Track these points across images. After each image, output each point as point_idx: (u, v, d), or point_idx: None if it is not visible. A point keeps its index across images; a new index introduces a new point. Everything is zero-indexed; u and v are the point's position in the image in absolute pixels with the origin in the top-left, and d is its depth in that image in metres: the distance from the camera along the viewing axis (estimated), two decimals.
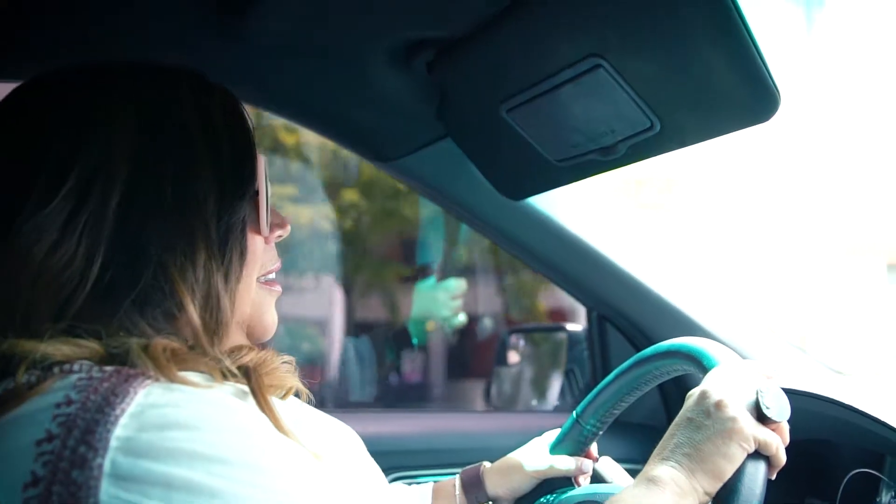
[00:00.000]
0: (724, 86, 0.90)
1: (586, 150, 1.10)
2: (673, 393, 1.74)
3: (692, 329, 1.59)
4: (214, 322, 0.70)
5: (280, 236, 0.84)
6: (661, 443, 0.82)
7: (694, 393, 0.84)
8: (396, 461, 1.55)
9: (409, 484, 1.56)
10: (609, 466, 1.28)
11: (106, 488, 0.55)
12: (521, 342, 2.17)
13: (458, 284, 2.62)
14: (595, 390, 1.16)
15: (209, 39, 1.15)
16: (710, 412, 0.79)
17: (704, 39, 0.86)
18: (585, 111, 1.04)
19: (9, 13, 1.06)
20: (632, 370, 1.12)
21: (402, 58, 1.18)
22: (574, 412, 1.18)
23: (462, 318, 2.70)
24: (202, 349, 0.69)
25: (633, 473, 1.23)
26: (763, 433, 0.79)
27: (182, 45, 1.17)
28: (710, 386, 0.83)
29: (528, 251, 1.60)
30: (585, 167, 1.16)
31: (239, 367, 0.68)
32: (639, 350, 1.69)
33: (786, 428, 0.82)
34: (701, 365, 0.96)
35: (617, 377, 1.14)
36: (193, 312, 0.69)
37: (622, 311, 1.67)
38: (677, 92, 0.95)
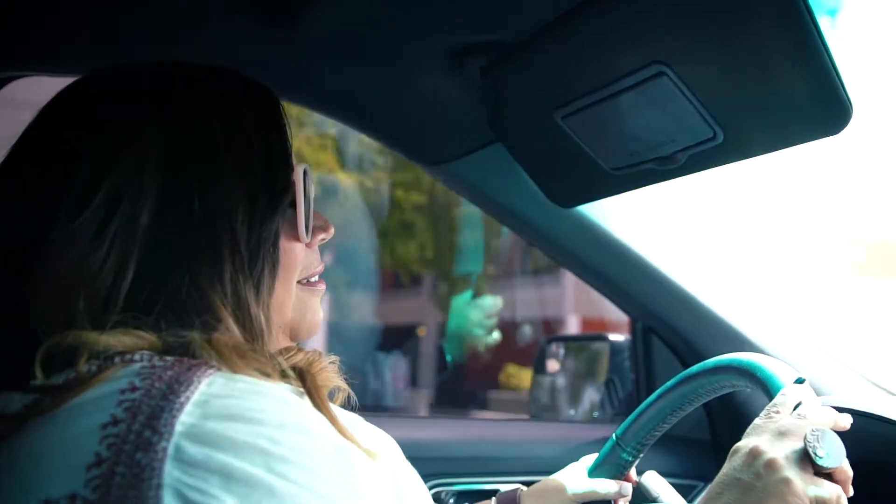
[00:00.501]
0: (793, 96, 0.87)
1: (644, 158, 1.08)
2: (717, 406, 1.71)
3: (742, 343, 1.56)
4: (251, 331, 0.70)
5: (323, 239, 0.83)
6: (706, 501, 0.78)
7: (741, 448, 0.79)
8: (436, 468, 1.55)
9: (448, 490, 1.56)
10: (655, 481, 1.25)
11: (169, 471, 0.55)
12: (561, 351, 2.15)
13: (493, 302, 2.60)
14: (636, 412, 1.14)
15: (260, 43, 1.15)
16: (761, 474, 0.75)
17: (775, 48, 0.83)
18: (645, 119, 1.01)
19: (70, 8, 1.08)
20: (677, 388, 1.09)
21: (456, 61, 1.16)
22: (614, 434, 1.16)
23: (496, 335, 2.67)
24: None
25: (678, 488, 1.22)
26: (819, 489, 0.75)
27: (234, 50, 1.17)
28: (759, 442, 0.78)
29: (575, 259, 1.58)
30: (642, 176, 1.14)
31: (292, 368, 0.68)
32: (685, 363, 1.69)
33: (845, 469, 0.78)
34: (755, 379, 0.94)
35: (660, 396, 1.12)
36: (230, 320, 0.68)
37: (669, 323, 1.64)
38: (743, 101, 0.92)
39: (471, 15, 1.05)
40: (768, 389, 0.90)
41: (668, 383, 1.11)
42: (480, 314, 2.55)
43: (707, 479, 1.62)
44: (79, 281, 0.65)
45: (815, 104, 0.87)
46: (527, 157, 1.31)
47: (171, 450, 0.55)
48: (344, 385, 0.75)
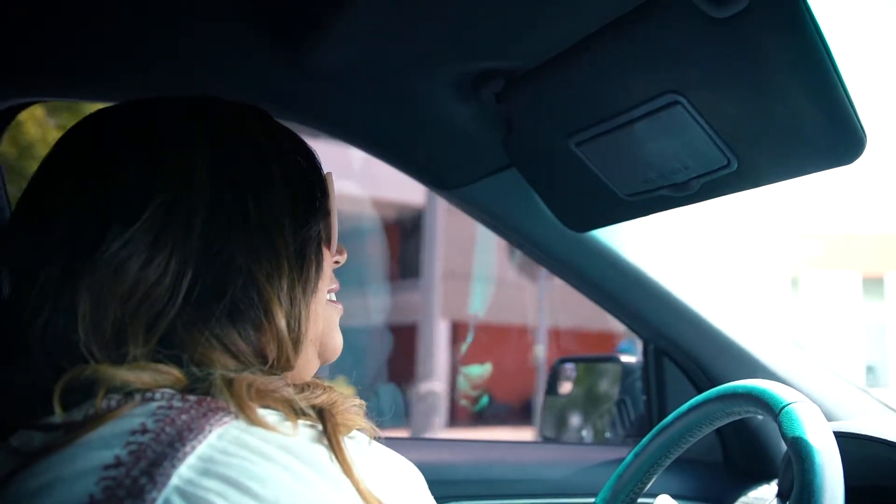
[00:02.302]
0: (807, 125, 0.88)
1: (658, 185, 1.09)
2: (729, 429, 1.71)
3: (754, 367, 1.56)
4: (296, 333, 0.72)
5: (338, 262, 0.86)
6: None
7: None
8: (447, 491, 1.54)
9: None
10: None
11: None
12: (573, 373, 2.14)
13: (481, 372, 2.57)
14: (615, 474, 1.15)
15: (270, 69, 1.16)
16: None
17: (790, 78, 0.84)
18: (659, 147, 1.02)
19: (81, 37, 1.10)
20: (652, 442, 1.12)
21: (470, 87, 1.17)
22: None
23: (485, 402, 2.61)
24: (285, 364, 0.71)
25: None
26: None
27: (245, 77, 1.18)
28: None
29: (587, 281, 1.58)
30: (655, 203, 1.14)
31: (312, 407, 0.67)
32: (696, 385, 1.69)
33: None
34: (767, 406, 0.94)
35: (637, 455, 1.14)
36: (281, 319, 0.70)
37: (681, 346, 1.64)
38: (758, 130, 0.93)
39: (486, 42, 1.06)
40: (768, 408, 0.91)
41: (643, 441, 1.14)
42: (467, 382, 2.54)
43: (719, 502, 1.61)
44: (136, 292, 0.65)
45: (829, 134, 0.87)
46: (541, 183, 1.32)
47: (159, 502, 0.54)
48: (368, 426, 0.73)
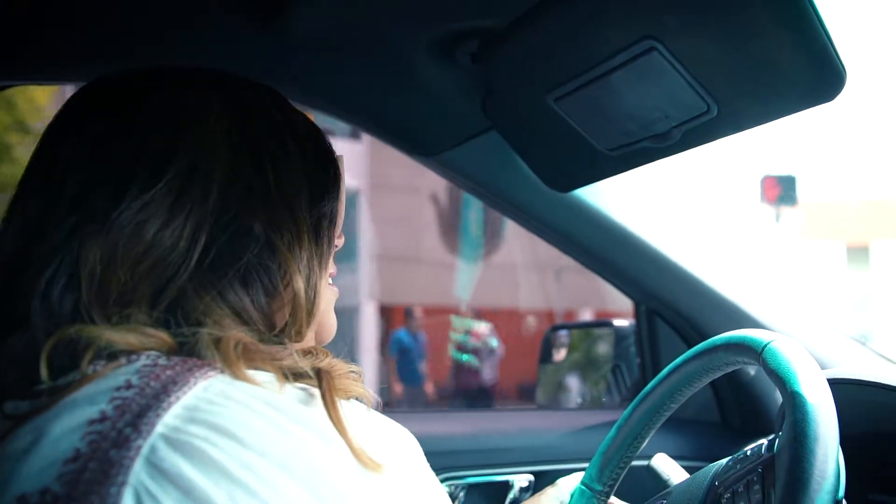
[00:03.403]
0: (787, 65, 0.86)
1: (639, 137, 1.07)
2: (725, 387, 1.71)
3: (745, 320, 1.55)
4: (312, 303, 0.73)
5: (336, 247, 0.86)
6: None
7: None
8: (444, 462, 1.54)
9: (458, 484, 1.55)
10: (665, 463, 1.25)
11: (137, 471, 0.53)
12: (566, 339, 2.14)
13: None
14: (601, 448, 1.16)
15: (246, 37, 1.15)
16: None
17: (767, 16, 0.82)
18: (638, 97, 1.00)
19: (55, 19, 1.08)
20: (634, 413, 1.13)
21: (445, 49, 1.15)
22: (581, 483, 1.17)
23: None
24: (297, 332, 0.71)
25: (688, 469, 1.21)
26: None
27: (219, 44, 1.16)
28: None
29: (575, 244, 1.57)
30: (637, 155, 1.13)
31: (312, 369, 0.66)
32: (689, 344, 1.68)
33: None
34: (748, 351, 0.94)
35: (620, 427, 1.14)
36: (301, 287, 0.71)
37: (673, 305, 1.63)
38: (737, 73, 0.91)
39: (459, 1, 1.04)
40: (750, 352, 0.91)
41: (625, 413, 1.14)
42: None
43: (716, 460, 1.61)
44: (149, 255, 0.65)
45: (809, 72, 0.86)
46: (522, 144, 1.31)
47: (145, 449, 0.54)
48: (366, 393, 0.72)
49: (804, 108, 0.91)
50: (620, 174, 1.22)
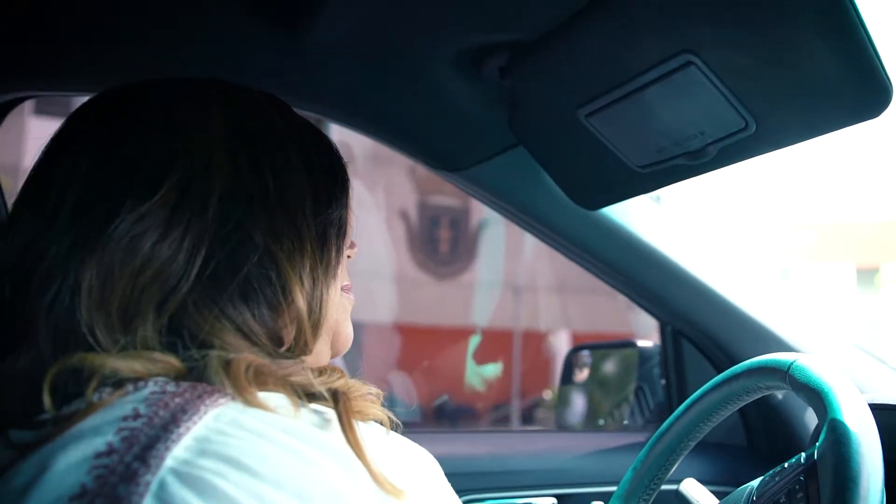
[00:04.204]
0: (829, 80, 0.83)
1: (672, 154, 1.04)
2: (752, 411, 1.68)
3: (776, 343, 1.52)
4: (317, 315, 0.71)
5: (349, 257, 0.84)
6: None
7: None
8: (466, 483, 1.51)
9: None
10: (694, 488, 1.22)
11: None
12: (589, 359, 2.11)
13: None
14: (626, 477, 1.14)
15: (269, 50, 1.14)
16: None
17: (810, 29, 0.80)
18: (673, 113, 0.98)
19: (74, 27, 1.07)
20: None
21: (473, 63, 1.14)
22: None
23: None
24: (303, 348, 0.69)
25: (716, 494, 1.18)
26: None
27: (242, 59, 1.16)
28: None
29: (600, 262, 1.55)
30: (670, 173, 1.10)
31: (327, 390, 0.64)
32: (716, 366, 1.64)
33: None
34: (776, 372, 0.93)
35: (656, 442, 1.12)
36: (301, 300, 0.68)
37: (700, 326, 1.60)
38: (777, 88, 0.88)
39: (487, 14, 1.02)
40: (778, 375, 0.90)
41: (647, 445, 1.12)
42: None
43: (743, 484, 1.58)
44: (147, 269, 0.63)
45: (853, 87, 0.83)
46: (550, 160, 1.28)
47: (154, 486, 0.51)
48: (384, 416, 0.69)
49: (847, 125, 0.88)
50: (652, 192, 1.19)
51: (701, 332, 1.62)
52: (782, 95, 0.89)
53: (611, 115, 1.05)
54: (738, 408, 1.04)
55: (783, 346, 1.52)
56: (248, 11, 1.06)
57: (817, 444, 0.85)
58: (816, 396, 0.86)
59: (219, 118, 0.72)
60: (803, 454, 0.91)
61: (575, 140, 1.14)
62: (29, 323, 0.63)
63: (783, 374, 0.92)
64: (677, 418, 1.09)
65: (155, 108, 0.72)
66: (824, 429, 0.82)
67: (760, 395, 1.02)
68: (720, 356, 1.63)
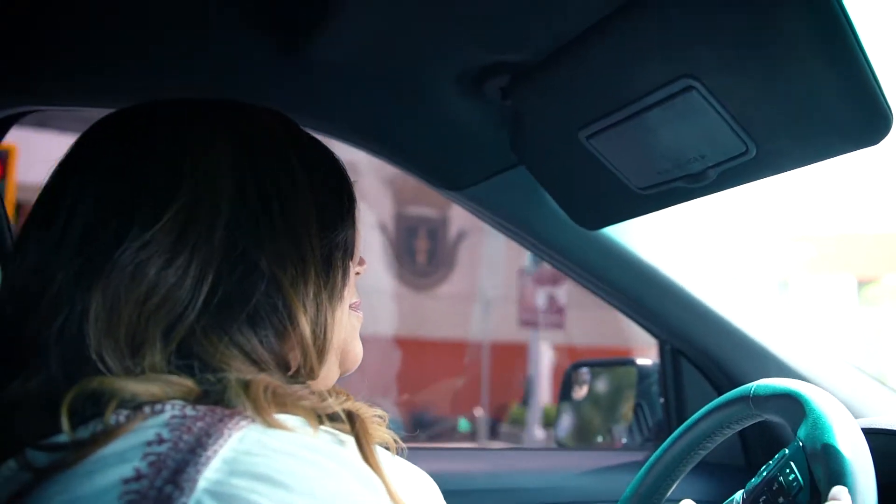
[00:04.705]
0: (830, 106, 0.84)
1: (673, 177, 1.04)
2: (751, 431, 1.67)
3: (775, 365, 1.52)
4: (321, 340, 0.70)
5: (358, 273, 0.84)
6: None
7: None
8: (463, 501, 1.50)
9: None
10: None
11: None
12: (587, 377, 2.11)
13: None
14: (635, 480, 1.13)
15: (270, 67, 1.14)
16: None
17: (810, 56, 0.80)
18: (674, 136, 0.98)
19: (80, 43, 1.08)
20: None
21: (475, 83, 1.15)
22: None
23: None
24: (308, 373, 0.68)
25: None
26: None
27: (244, 77, 1.16)
28: None
29: (602, 281, 1.55)
30: (670, 195, 1.10)
31: (343, 411, 0.65)
32: (716, 386, 1.64)
33: None
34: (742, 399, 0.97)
35: (656, 461, 1.12)
36: (306, 326, 0.68)
37: (699, 345, 1.60)
38: (778, 114, 0.89)
39: (490, 35, 1.03)
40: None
41: (664, 445, 1.12)
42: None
43: None
44: (153, 295, 0.63)
45: (853, 114, 0.83)
46: (551, 180, 1.29)
47: None
48: (391, 440, 0.72)
49: (847, 152, 0.88)
50: (651, 213, 1.19)
51: (700, 352, 1.62)
52: (782, 121, 0.89)
53: (612, 136, 1.06)
54: (723, 439, 1.06)
55: (781, 367, 1.52)
56: (251, 29, 1.07)
57: (799, 434, 0.87)
58: (785, 399, 0.91)
59: (225, 139, 0.71)
60: (786, 449, 0.92)
61: (576, 161, 1.14)
62: (38, 346, 0.63)
63: (746, 399, 0.95)
64: (671, 444, 1.09)
65: (162, 130, 0.72)
66: (804, 419, 0.86)
67: (738, 429, 1.04)
68: (719, 376, 1.62)
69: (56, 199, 0.70)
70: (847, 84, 0.81)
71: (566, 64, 1.02)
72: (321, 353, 0.71)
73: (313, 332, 0.69)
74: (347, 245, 0.77)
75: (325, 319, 0.71)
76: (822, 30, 0.77)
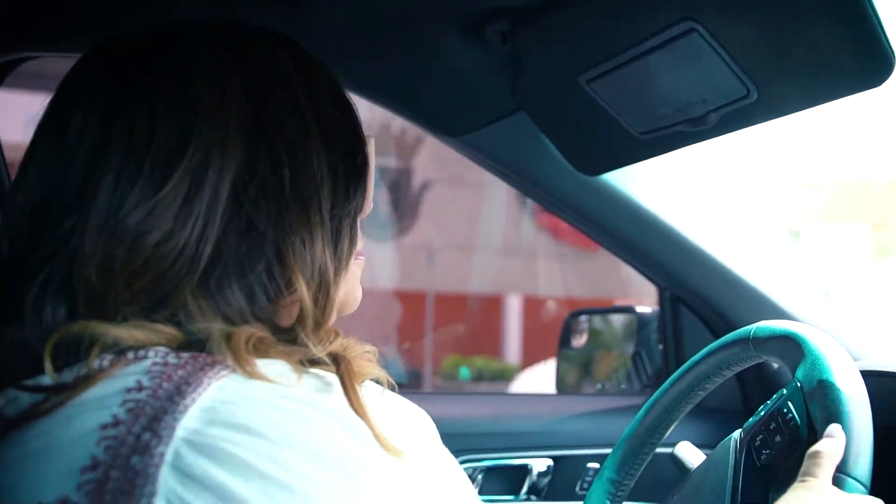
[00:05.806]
0: (832, 48, 0.83)
1: (674, 121, 1.04)
2: (749, 376, 1.69)
3: (773, 311, 1.53)
4: (322, 307, 0.67)
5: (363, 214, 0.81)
6: None
7: None
8: (464, 444, 1.53)
9: (477, 466, 1.54)
10: (689, 451, 1.23)
11: (165, 478, 0.52)
12: (587, 324, 2.12)
13: None
14: (619, 441, 1.15)
15: (268, 14, 1.12)
16: None
17: None
18: (675, 79, 0.98)
19: None
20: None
21: (475, 28, 1.13)
22: (600, 473, 1.16)
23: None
24: (303, 330, 0.65)
25: None
26: None
27: (241, 20, 1.14)
28: None
29: (600, 228, 1.55)
30: (671, 140, 1.10)
31: (328, 354, 0.63)
32: (714, 332, 1.65)
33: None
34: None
35: (653, 405, 1.13)
36: (306, 296, 0.64)
37: (699, 292, 1.61)
38: (779, 56, 0.88)
39: None
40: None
41: (660, 389, 1.13)
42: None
43: None
44: (151, 260, 0.60)
45: (855, 55, 0.83)
46: (551, 125, 1.28)
47: (169, 456, 0.52)
48: (381, 374, 0.69)
49: (849, 94, 0.88)
50: (652, 158, 1.19)
51: (699, 298, 1.63)
52: (784, 63, 0.89)
53: (613, 81, 1.05)
54: (721, 381, 1.07)
55: (780, 313, 1.53)
56: None
57: (797, 374, 0.88)
58: (784, 340, 0.91)
59: (239, 93, 0.66)
60: (784, 389, 0.93)
61: (576, 106, 1.14)
62: (19, 302, 0.62)
63: (746, 340, 0.96)
64: (671, 385, 1.11)
65: (174, 74, 0.66)
66: (803, 360, 0.87)
67: (737, 371, 1.05)
68: (718, 323, 1.63)
69: (57, 138, 0.65)
70: (848, 25, 0.80)
71: (567, 8, 1.01)
72: (322, 316, 0.67)
73: (315, 300, 0.66)
74: (357, 212, 0.73)
75: (328, 288, 0.68)
76: None
